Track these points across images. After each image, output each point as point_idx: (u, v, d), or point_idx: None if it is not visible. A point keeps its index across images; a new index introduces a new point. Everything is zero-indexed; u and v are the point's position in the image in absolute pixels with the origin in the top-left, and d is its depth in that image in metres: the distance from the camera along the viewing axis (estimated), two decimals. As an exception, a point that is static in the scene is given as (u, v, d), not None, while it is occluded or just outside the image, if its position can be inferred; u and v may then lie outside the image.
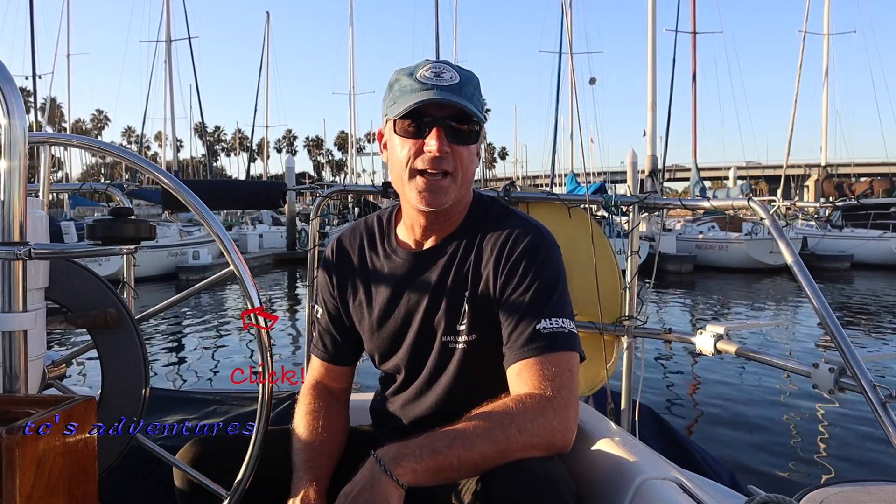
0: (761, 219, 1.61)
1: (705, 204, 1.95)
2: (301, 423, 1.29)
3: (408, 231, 1.30)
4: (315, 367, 1.40)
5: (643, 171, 18.27)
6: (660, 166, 22.56)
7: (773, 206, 1.61)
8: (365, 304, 1.32)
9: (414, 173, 1.18)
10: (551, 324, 1.13)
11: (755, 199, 1.65)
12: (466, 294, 1.22)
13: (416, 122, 1.16)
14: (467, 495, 1.05)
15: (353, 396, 1.45)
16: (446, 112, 1.16)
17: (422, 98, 1.14)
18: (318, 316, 1.40)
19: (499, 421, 1.03)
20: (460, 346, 1.22)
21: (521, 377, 1.11)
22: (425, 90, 1.15)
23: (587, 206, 2.11)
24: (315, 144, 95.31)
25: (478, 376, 1.21)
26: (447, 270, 1.24)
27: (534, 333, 1.13)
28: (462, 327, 1.22)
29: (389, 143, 1.23)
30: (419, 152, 1.16)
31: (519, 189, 2.24)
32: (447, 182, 1.18)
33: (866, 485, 1.08)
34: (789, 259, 1.51)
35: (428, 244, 1.28)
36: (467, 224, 1.27)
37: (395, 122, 1.19)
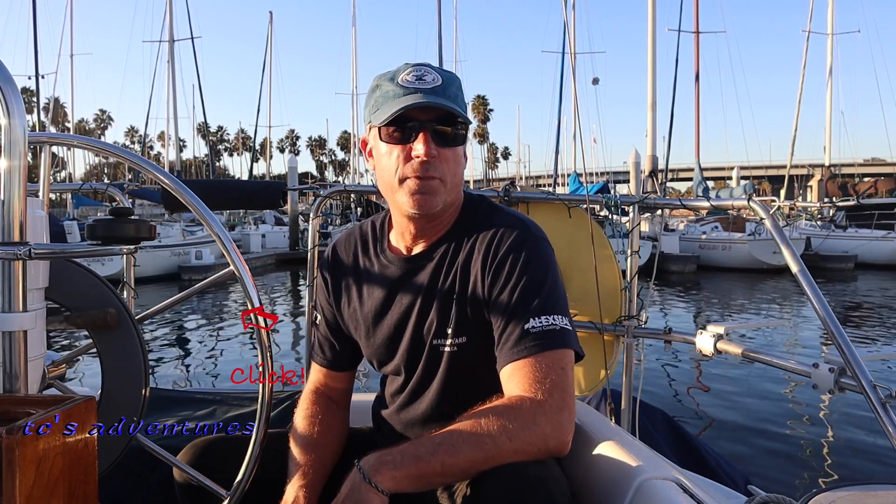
0: (761, 219, 1.61)
1: (705, 204, 1.95)
2: (297, 429, 1.29)
3: (398, 237, 1.28)
4: (315, 373, 1.40)
5: (644, 171, 18.22)
6: (662, 166, 22.53)
7: (773, 206, 1.61)
8: (359, 311, 1.31)
9: (403, 179, 1.15)
10: (541, 322, 1.10)
11: (755, 199, 1.65)
12: (455, 296, 1.19)
13: (401, 127, 1.14)
14: (458, 498, 1.05)
15: (356, 397, 1.45)
16: (431, 115, 1.13)
17: (407, 103, 1.11)
18: (317, 322, 1.40)
19: (487, 427, 1.01)
20: (448, 348, 1.20)
21: (512, 380, 1.09)
22: (409, 94, 1.13)
23: (587, 206, 2.10)
24: (318, 144, 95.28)
25: (471, 379, 1.19)
26: (437, 273, 1.22)
27: (523, 333, 1.10)
28: (450, 330, 1.19)
29: (375, 151, 1.21)
30: (407, 158, 1.14)
31: (519, 189, 2.24)
32: (437, 184, 1.15)
33: (873, 488, 1.07)
34: (789, 259, 1.51)
35: (418, 248, 1.26)
36: (457, 226, 1.25)
37: (379, 129, 1.16)
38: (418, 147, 1.13)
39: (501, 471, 0.98)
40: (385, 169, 1.18)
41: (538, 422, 1.02)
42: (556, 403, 1.04)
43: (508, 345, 1.11)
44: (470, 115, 1.23)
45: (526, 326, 1.10)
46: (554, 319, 1.11)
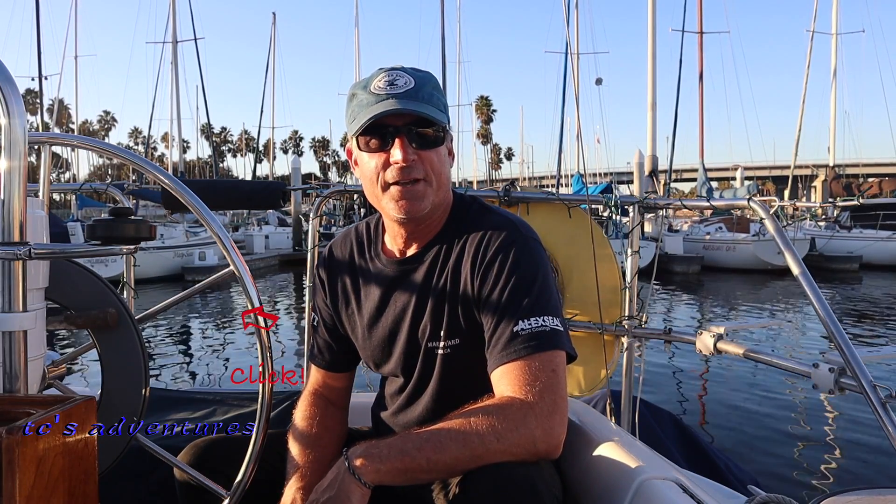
0: (761, 219, 1.61)
1: (705, 204, 1.95)
2: (296, 430, 1.29)
3: (391, 240, 1.29)
4: (314, 375, 1.40)
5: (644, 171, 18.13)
6: (665, 167, 22.49)
7: (774, 206, 1.60)
8: (356, 313, 1.32)
9: (386, 186, 1.16)
10: (530, 324, 1.09)
11: (756, 199, 1.65)
12: (447, 298, 1.19)
13: (377, 135, 1.14)
14: (445, 497, 1.05)
15: (355, 397, 1.46)
16: (407, 119, 1.13)
17: (378, 111, 1.11)
18: (316, 324, 1.40)
19: (476, 426, 1.00)
20: (442, 351, 1.20)
21: (502, 383, 1.08)
22: (381, 101, 1.12)
23: (588, 206, 2.10)
24: (321, 145, 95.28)
25: (466, 381, 1.17)
26: (430, 276, 1.22)
27: (513, 335, 1.09)
28: (443, 332, 1.19)
29: (359, 161, 1.21)
30: (386, 164, 1.14)
31: (519, 189, 2.24)
32: (422, 187, 1.15)
33: (882, 492, 1.06)
34: (789, 258, 1.51)
35: (411, 251, 1.26)
36: (448, 227, 1.24)
37: (357, 139, 1.17)
38: (395, 153, 1.13)
39: (490, 470, 0.98)
40: (368, 178, 1.18)
41: (528, 424, 1.01)
42: (548, 406, 1.03)
43: (498, 347, 1.10)
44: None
45: (515, 328, 1.09)
46: (544, 321, 1.09)
